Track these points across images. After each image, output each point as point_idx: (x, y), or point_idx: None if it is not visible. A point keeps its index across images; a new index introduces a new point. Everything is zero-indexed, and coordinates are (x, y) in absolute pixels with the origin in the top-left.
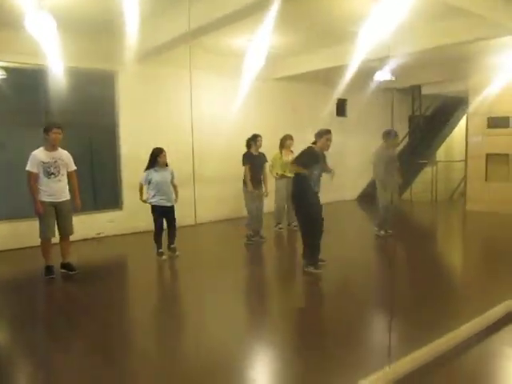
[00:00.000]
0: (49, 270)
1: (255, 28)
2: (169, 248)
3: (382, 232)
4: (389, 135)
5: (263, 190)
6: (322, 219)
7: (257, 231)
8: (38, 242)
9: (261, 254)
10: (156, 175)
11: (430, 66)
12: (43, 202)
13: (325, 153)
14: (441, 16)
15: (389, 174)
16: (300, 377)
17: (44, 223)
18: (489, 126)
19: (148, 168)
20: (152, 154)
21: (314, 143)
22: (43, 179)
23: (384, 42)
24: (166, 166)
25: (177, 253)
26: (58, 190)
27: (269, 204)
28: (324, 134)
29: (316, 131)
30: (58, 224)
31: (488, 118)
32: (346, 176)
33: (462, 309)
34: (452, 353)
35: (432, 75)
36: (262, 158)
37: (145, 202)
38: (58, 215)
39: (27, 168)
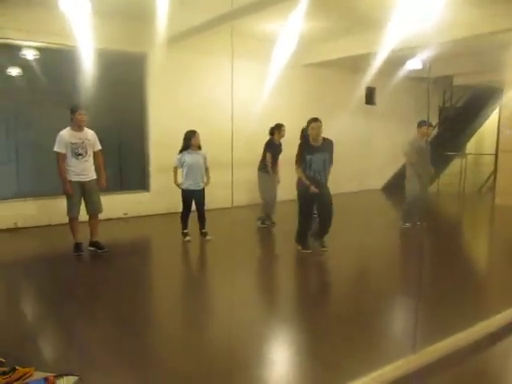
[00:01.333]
0: (77, 247)
1: (287, 14)
2: (200, 233)
3: (408, 224)
4: (421, 124)
5: (278, 177)
6: (328, 206)
7: (269, 216)
8: (66, 219)
9: (283, 239)
10: (188, 158)
11: (464, 56)
12: (71, 182)
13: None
14: (477, 3)
15: (420, 164)
16: (322, 361)
17: (71, 202)
18: None
19: (182, 151)
20: (185, 137)
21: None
22: (71, 160)
23: (416, 30)
24: (200, 148)
25: (208, 237)
26: (85, 169)
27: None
28: (309, 124)
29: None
30: (85, 203)
31: None
32: (373, 165)
33: (486, 304)
34: (474, 346)
35: (465, 66)
36: (280, 147)
37: (178, 186)
38: (85, 194)
39: (55, 149)
